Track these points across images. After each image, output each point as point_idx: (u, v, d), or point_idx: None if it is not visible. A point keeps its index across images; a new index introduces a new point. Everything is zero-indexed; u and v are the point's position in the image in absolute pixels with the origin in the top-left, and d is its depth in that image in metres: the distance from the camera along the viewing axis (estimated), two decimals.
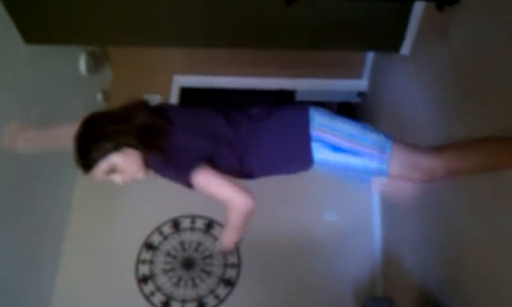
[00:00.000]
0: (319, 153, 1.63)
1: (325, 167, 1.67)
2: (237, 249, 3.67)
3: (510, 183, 1.81)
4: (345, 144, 1.61)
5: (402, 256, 3.25)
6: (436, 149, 1.67)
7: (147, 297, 3.57)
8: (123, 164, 1.57)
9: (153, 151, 1.57)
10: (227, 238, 1.71)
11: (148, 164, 1.62)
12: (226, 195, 1.57)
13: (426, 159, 1.62)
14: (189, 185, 1.55)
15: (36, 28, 2.93)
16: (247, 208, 1.56)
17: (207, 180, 1.55)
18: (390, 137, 1.64)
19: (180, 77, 4.33)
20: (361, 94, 4.35)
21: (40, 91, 3.24)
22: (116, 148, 1.54)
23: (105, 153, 1.53)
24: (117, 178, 1.61)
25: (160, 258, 3.70)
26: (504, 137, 1.71)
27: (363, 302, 2.85)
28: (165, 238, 3.77)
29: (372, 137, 1.63)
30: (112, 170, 1.57)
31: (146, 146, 1.57)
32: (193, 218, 3.83)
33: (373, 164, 1.61)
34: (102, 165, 1.54)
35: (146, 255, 3.71)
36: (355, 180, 1.71)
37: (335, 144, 1.62)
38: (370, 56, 4.04)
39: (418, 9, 2.73)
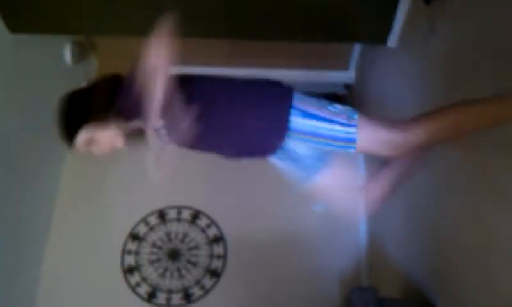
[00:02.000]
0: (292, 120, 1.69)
1: (295, 135, 1.71)
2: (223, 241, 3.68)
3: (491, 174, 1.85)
4: (313, 109, 1.70)
5: (387, 247, 3.29)
6: (403, 123, 1.70)
7: (133, 288, 3.56)
8: (97, 135, 1.68)
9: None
10: None
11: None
12: None
13: (388, 133, 1.67)
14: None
15: (22, 17, 2.89)
16: None
17: None
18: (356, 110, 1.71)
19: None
20: (347, 86, 4.36)
21: (24, 80, 3.20)
22: (90, 121, 1.66)
23: (79, 126, 1.66)
24: (96, 149, 1.71)
25: (146, 249, 3.70)
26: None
27: (348, 293, 2.87)
28: (151, 228, 3.76)
29: (339, 106, 1.72)
30: (91, 141, 1.68)
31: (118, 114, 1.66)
32: (179, 209, 3.83)
33: (340, 129, 1.67)
34: (81, 138, 1.66)
35: (132, 246, 3.70)
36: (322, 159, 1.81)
37: (305, 110, 1.70)
38: (357, 48, 4.05)
39: (405, 2, 2.74)
